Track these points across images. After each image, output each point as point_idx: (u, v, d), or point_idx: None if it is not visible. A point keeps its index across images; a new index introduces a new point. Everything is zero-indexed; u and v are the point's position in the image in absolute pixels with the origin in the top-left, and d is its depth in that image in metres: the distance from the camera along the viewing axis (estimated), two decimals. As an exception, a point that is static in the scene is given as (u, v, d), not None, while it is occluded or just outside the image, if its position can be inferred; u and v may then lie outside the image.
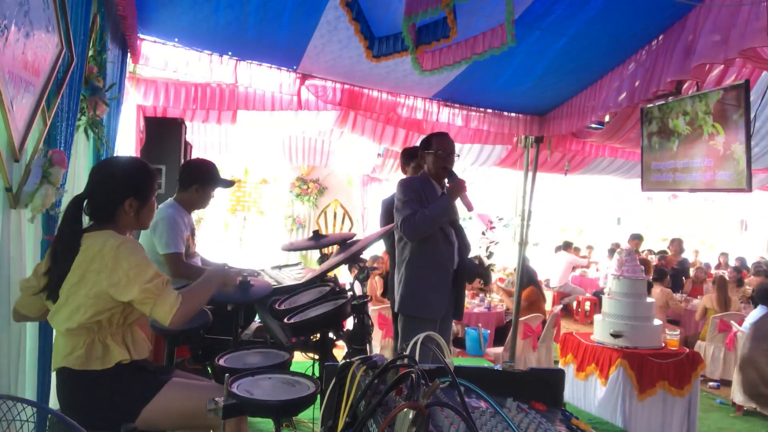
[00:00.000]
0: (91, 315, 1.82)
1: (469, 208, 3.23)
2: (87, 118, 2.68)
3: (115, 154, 3.40)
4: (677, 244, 9.18)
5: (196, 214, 3.42)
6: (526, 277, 5.62)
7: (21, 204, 1.81)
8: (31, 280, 1.93)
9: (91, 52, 2.64)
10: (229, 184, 3.40)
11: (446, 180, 3.27)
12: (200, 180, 3.24)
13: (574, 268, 10.22)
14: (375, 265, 6.41)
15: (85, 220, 1.97)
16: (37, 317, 1.96)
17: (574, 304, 9.62)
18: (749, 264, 10.18)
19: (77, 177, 2.77)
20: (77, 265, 1.83)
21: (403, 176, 3.87)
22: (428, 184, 3.28)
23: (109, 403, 1.87)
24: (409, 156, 4.00)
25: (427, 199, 3.21)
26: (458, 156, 3.43)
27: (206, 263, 3.43)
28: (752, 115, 3.48)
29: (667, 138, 4.05)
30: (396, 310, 3.31)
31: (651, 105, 4.10)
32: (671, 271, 7.90)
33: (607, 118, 4.89)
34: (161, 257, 3.07)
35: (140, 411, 1.89)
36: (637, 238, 8.93)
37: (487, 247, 7.77)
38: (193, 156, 5.52)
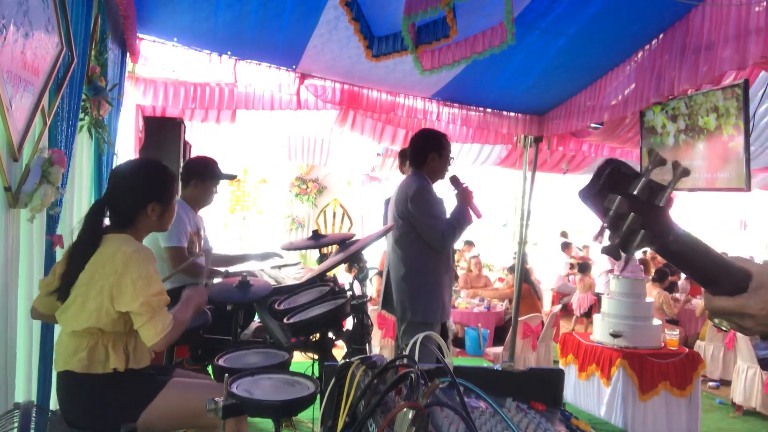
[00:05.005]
0: (94, 322, 1.83)
1: (478, 215, 3.23)
2: (90, 118, 2.69)
3: (116, 154, 3.40)
4: None
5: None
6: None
7: (20, 204, 1.80)
8: (49, 279, 1.94)
9: (93, 53, 2.64)
10: (228, 177, 3.43)
11: (453, 187, 3.25)
12: (198, 175, 3.29)
13: (572, 267, 10.24)
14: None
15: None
16: (52, 316, 1.96)
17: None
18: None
19: (80, 177, 2.77)
20: (89, 266, 1.85)
21: (402, 176, 3.86)
22: (432, 186, 3.24)
23: (110, 406, 1.88)
24: (407, 156, 3.99)
25: None
26: (453, 158, 3.40)
27: (212, 258, 3.45)
28: (752, 115, 3.48)
29: (696, 136, 3.84)
30: (422, 319, 3.09)
31: (676, 99, 3.92)
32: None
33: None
34: (163, 250, 3.09)
35: (140, 413, 1.89)
36: None
37: None
38: (193, 156, 5.53)
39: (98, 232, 1.91)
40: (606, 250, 0.82)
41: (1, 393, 1.76)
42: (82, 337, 1.85)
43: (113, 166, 3.13)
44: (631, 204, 0.79)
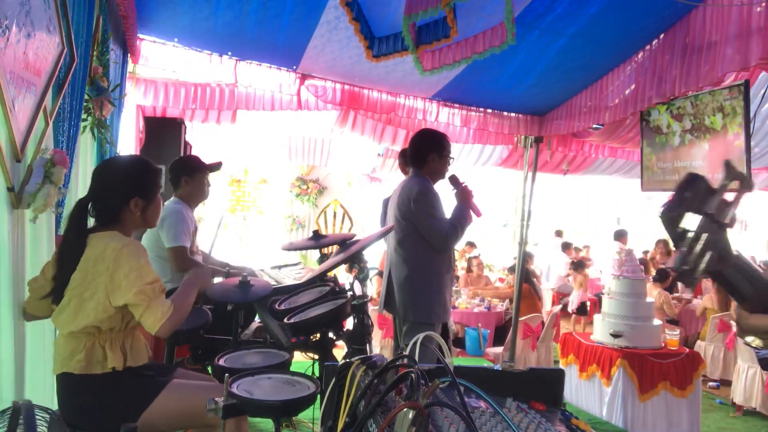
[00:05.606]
0: (92, 320, 1.83)
1: (478, 213, 3.22)
2: (93, 118, 2.69)
3: (118, 154, 3.41)
4: (662, 245, 8.90)
5: (196, 215, 3.44)
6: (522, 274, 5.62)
7: (23, 204, 1.81)
8: (39, 280, 1.93)
9: (95, 53, 2.64)
10: (214, 167, 3.45)
11: (452, 187, 3.24)
12: (185, 172, 3.31)
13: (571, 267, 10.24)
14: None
15: (91, 221, 1.98)
16: (46, 315, 1.96)
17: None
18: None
19: (83, 177, 2.78)
20: (81, 266, 1.84)
21: (403, 176, 3.86)
22: (433, 187, 3.23)
23: (109, 407, 1.88)
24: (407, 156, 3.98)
25: None
26: (453, 158, 3.40)
27: (210, 261, 3.45)
28: (752, 115, 3.49)
29: (702, 135, 3.81)
30: (424, 320, 3.08)
31: (681, 99, 3.89)
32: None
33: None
34: (167, 251, 3.09)
35: (140, 414, 1.89)
36: (623, 236, 8.91)
37: None
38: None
39: (84, 230, 1.90)
40: (681, 278, 0.80)
41: (11, 393, 1.76)
42: (79, 338, 1.85)
43: None
44: (707, 224, 0.78)
